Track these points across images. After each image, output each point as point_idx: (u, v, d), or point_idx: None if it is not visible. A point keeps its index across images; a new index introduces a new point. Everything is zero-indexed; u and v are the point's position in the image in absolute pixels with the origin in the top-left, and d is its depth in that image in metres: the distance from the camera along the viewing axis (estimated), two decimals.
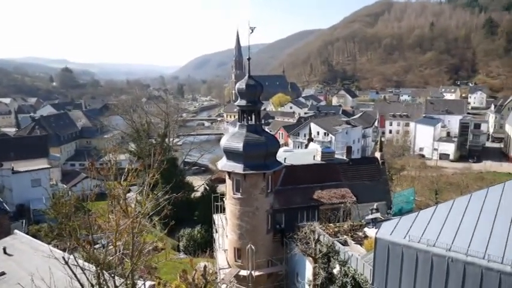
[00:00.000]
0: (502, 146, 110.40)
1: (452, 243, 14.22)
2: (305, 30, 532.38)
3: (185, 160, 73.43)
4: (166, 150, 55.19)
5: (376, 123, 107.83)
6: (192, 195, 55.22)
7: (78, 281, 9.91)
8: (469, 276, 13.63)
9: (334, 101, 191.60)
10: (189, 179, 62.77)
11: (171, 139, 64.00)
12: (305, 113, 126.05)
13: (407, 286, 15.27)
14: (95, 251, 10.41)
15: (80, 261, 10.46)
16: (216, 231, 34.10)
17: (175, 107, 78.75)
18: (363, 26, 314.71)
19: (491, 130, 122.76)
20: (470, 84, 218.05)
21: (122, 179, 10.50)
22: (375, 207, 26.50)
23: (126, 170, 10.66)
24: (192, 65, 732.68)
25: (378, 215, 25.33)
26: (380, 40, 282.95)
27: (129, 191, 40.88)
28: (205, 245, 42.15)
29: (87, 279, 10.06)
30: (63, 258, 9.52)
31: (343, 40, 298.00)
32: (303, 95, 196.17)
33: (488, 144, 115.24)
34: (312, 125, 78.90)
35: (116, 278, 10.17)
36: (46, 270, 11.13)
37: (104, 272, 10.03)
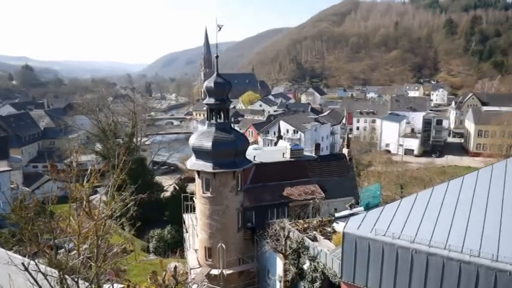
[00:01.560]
0: (462, 141, 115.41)
1: (415, 235, 14.74)
2: (274, 28, 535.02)
3: (154, 160, 72.25)
4: (134, 150, 54.12)
5: (344, 120, 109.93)
6: (162, 195, 54.43)
7: (40, 287, 9.53)
8: (432, 266, 14.18)
9: (303, 98, 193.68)
10: (158, 178, 61.79)
11: (139, 139, 62.79)
12: (274, 111, 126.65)
13: (374, 278, 15.70)
14: (58, 255, 10.04)
15: (42, 267, 10.06)
16: (187, 231, 33.77)
17: (143, 105, 77.22)
18: (330, 25, 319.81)
19: (452, 126, 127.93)
20: (433, 82, 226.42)
21: (85, 181, 10.17)
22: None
23: (89, 171, 10.34)
24: (160, 63, 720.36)
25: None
26: (347, 39, 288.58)
27: (95, 192, 39.73)
28: (175, 246, 41.72)
29: (50, 284, 9.70)
30: (23, 264, 9.11)
31: (311, 39, 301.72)
32: (272, 93, 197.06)
33: (450, 139, 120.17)
34: (282, 122, 79.52)
35: (80, 282, 9.86)
36: (5, 277, 10.65)
37: (67, 276, 9.69)
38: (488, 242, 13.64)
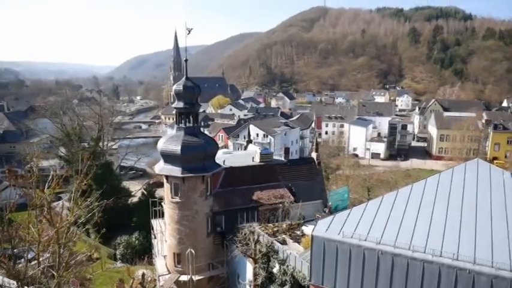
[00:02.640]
0: (426, 145, 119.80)
1: (381, 237, 15.12)
2: (244, 33, 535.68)
3: (121, 164, 70.49)
4: (100, 154, 52.65)
5: (313, 125, 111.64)
6: (129, 201, 53.15)
7: None
8: (397, 267, 14.57)
9: (273, 103, 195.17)
10: (126, 184, 60.29)
11: (105, 143, 61.11)
12: (244, 115, 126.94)
13: (342, 280, 15.95)
14: (17, 265, 9.58)
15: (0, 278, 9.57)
16: (155, 237, 33.12)
17: (110, 109, 75.22)
18: (299, 30, 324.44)
19: (416, 130, 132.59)
20: (398, 88, 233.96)
21: (46, 187, 9.76)
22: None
23: (50, 176, 9.93)
24: (128, 66, 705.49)
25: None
26: (316, 45, 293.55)
27: (58, 199, 38.41)
28: (143, 252, 40.79)
29: None
30: None
31: (281, 44, 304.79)
32: (242, 97, 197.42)
33: (414, 143, 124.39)
34: (251, 126, 79.76)
35: None
36: None
37: (26, 287, 9.26)
38: (449, 241, 14.18)
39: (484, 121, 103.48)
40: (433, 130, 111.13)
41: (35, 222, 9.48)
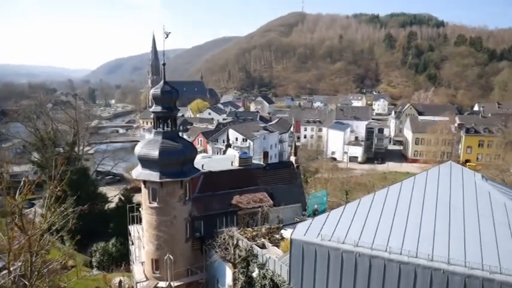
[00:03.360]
0: (402, 148, 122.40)
1: (359, 239, 15.32)
2: (223, 37, 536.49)
3: (98, 170, 69.06)
4: (75, 159, 51.43)
5: (291, 129, 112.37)
6: (106, 207, 52.07)
7: None
8: (374, 268, 14.78)
9: (252, 107, 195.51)
10: (103, 189, 58.97)
11: (81, 148, 59.80)
12: (224, 119, 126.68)
13: (321, 282, 16.06)
14: None
15: None
16: (132, 243, 32.55)
17: (85, 113, 73.75)
18: (278, 35, 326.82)
19: (392, 134, 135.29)
20: (374, 93, 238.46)
21: (18, 193, 9.46)
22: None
23: (22, 182, 9.64)
24: (105, 69, 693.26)
25: None
26: (294, 49, 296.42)
27: (32, 205, 37.26)
28: (120, 259, 39.91)
29: None
30: None
31: (260, 48, 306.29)
32: (221, 101, 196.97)
33: (390, 147, 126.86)
34: (231, 131, 79.63)
35: None
36: None
37: None
38: (424, 243, 14.50)
39: (456, 125, 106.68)
40: (408, 134, 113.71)
41: (5, 230, 9.17)
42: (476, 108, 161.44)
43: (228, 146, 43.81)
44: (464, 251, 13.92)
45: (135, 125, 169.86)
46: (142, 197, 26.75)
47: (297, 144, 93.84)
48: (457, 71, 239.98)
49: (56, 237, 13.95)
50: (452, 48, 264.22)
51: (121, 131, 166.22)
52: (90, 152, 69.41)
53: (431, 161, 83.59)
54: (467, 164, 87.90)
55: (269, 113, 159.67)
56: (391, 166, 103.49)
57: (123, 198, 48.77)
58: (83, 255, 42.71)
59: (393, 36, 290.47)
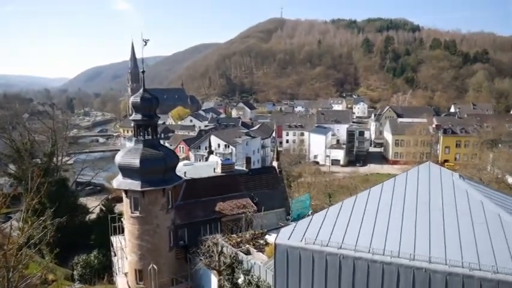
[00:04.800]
0: (382, 150, 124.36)
1: (342, 241, 15.42)
2: (202, 43, 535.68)
3: (78, 180, 67.66)
4: (54, 170, 50.26)
5: (273, 134, 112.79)
6: (87, 218, 50.98)
7: None
8: (358, 270, 14.89)
9: (234, 113, 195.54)
10: (83, 200, 57.78)
11: (59, 158, 58.46)
12: (205, 126, 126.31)
13: (306, 286, 16.07)
14: None
15: None
16: (115, 254, 31.97)
17: (63, 122, 72.18)
18: (257, 41, 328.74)
19: (373, 137, 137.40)
20: (354, 96, 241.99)
21: None
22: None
23: None
24: (83, 77, 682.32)
25: None
26: (274, 55, 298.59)
27: (8, 218, 36.23)
28: (103, 271, 39.09)
29: None
30: None
31: (240, 54, 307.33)
32: (202, 108, 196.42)
33: (371, 149, 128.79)
34: (213, 137, 79.34)
35: None
36: None
37: None
38: (406, 242, 14.71)
39: (434, 126, 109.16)
40: (388, 136, 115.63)
41: None
42: (452, 109, 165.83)
43: (210, 152, 43.62)
44: (444, 250, 14.16)
45: (115, 134, 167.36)
46: (124, 207, 26.35)
47: (280, 149, 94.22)
48: (433, 74, 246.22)
49: (34, 250, 13.59)
50: (428, 51, 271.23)
51: (101, 140, 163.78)
52: (69, 162, 67.91)
53: (411, 162, 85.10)
54: (446, 164, 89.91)
55: (251, 119, 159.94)
56: (372, 168, 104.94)
57: (104, 208, 47.89)
58: (63, 269, 41.64)
59: (371, 40, 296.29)
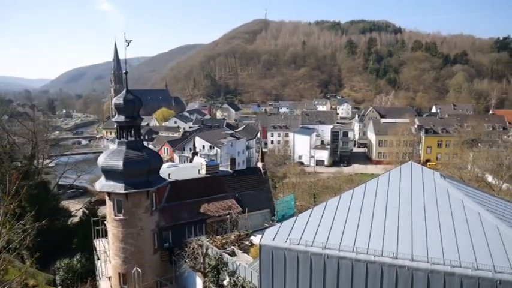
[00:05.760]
0: (366, 150, 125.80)
1: (326, 241, 15.52)
2: (187, 44, 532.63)
3: (59, 183, 66.40)
4: (34, 173, 49.21)
5: (258, 135, 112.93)
6: (69, 221, 50.09)
7: None
8: (342, 269, 15.01)
9: (218, 114, 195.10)
10: (65, 203, 56.74)
11: (40, 161, 57.32)
12: (190, 127, 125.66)
13: (291, 286, 16.12)
14: None
15: None
16: (98, 258, 31.51)
17: (44, 124, 70.79)
18: (242, 42, 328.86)
19: (356, 137, 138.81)
20: (338, 97, 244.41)
21: None
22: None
23: None
24: (65, 78, 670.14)
25: None
26: (259, 56, 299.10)
27: None
28: (86, 275, 38.49)
29: None
30: None
31: (225, 55, 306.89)
32: (187, 109, 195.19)
33: (355, 149, 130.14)
34: (197, 138, 79.07)
35: None
36: None
37: None
38: (389, 241, 14.90)
39: (416, 126, 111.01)
40: (372, 136, 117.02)
41: None
42: (434, 109, 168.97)
43: (195, 154, 43.39)
44: (426, 248, 14.40)
45: (98, 136, 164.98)
46: (107, 210, 25.99)
47: (264, 150, 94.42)
48: (415, 75, 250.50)
49: (13, 255, 13.23)
50: (410, 53, 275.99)
51: (83, 142, 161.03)
52: (50, 165, 66.63)
53: (394, 162, 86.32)
54: (428, 163, 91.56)
55: (236, 120, 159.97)
56: (356, 168, 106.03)
57: (87, 211, 47.14)
58: (45, 274, 40.79)
59: (354, 42, 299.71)
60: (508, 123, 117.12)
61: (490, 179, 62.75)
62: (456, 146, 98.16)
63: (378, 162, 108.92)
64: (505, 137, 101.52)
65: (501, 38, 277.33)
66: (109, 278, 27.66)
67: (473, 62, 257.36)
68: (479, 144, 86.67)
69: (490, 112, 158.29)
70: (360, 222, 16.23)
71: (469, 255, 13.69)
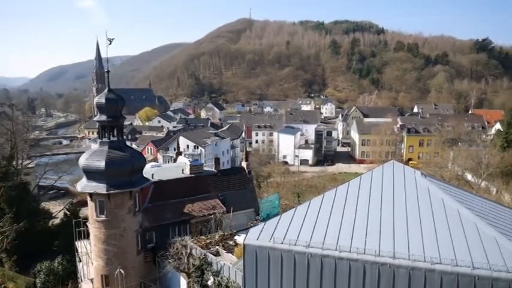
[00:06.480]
0: (350, 149, 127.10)
1: (310, 240, 15.62)
2: (170, 43, 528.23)
3: (40, 184, 65.05)
4: (13, 174, 48.08)
5: (243, 134, 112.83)
6: (50, 223, 49.12)
7: None
8: (326, 267, 15.13)
9: (203, 114, 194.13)
10: (46, 205, 55.65)
11: (19, 161, 56.05)
12: (174, 127, 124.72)
13: (275, 285, 16.16)
14: None
15: None
16: (80, 260, 31.02)
17: (24, 124, 69.23)
18: (226, 41, 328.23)
19: (340, 136, 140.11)
20: (322, 97, 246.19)
21: None
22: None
23: None
24: (45, 77, 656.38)
25: None
26: (243, 55, 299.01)
27: None
28: (68, 278, 37.82)
29: None
30: None
31: (209, 54, 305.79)
32: (171, 109, 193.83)
33: (339, 148, 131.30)
34: (181, 138, 78.53)
35: None
36: None
37: None
38: (372, 239, 15.09)
39: (398, 126, 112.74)
40: (355, 135, 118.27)
41: None
42: (415, 109, 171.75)
43: (179, 153, 43.01)
44: (408, 245, 14.64)
45: (80, 135, 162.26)
46: (89, 211, 25.62)
47: (249, 149, 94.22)
48: (397, 75, 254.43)
49: None
50: (392, 53, 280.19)
51: (64, 142, 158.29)
52: (30, 165, 65.19)
53: (377, 161, 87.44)
54: (410, 162, 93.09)
55: (220, 119, 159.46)
56: (340, 167, 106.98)
57: (68, 213, 46.31)
58: (25, 277, 39.88)
59: (338, 42, 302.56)
60: (486, 122, 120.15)
61: (469, 177, 64.24)
62: (437, 145, 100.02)
63: (361, 161, 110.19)
64: (484, 136, 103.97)
65: (480, 40, 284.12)
66: (91, 280, 27.30)
67: (454, 63, 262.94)
68: (459, 144, 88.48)
69: (470, 112, 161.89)
70: (343, 221, 16.39)
71: (449, 252, 13.99)
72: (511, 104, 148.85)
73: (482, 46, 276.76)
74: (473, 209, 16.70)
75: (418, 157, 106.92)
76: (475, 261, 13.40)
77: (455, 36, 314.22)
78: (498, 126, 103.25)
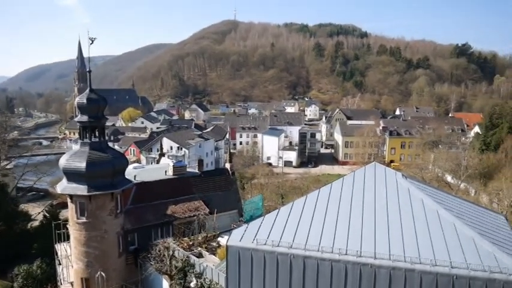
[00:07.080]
0: (333, 151, 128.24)
1: (293, 241, 15.71)
2: (154, 43, 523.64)
3: (18, 186, 63.61)
4: None
5: (227, 136, 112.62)
6: (29, 226, 48.09)
7: None
8: (308, 268, 15.24)
9: (187, 115, 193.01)
10: (24, 207, 54.51)
11: None
12: (157, 128, 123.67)
13: (258, 287, 16.19)
14: None
15: None
16: (60, 263, 30.39)
17: (2, 124, 67.65)
18: (211, 42, 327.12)
19: (324, 138, 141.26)
20: (306, 99, 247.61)
21: None
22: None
23: None
24: (25, 76, 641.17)
25: None
26: (228, 57, 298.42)
27: None
28: (47, 281, 37.03)
29: None
30: None
31: (193, 55, 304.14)
32: (154, 110, 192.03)
33: (323, 150, 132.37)
34: (165, 139, 77.95)
35: None
36: None
37: None
38: (353, 240, 15.28)
39: (381, 128, 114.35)
40: (338, 137, 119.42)
41: None
42: (398, 112, 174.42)
43: (162, 155, 42.79)
44: (388, 246, 14.87)
45: (60, 136, 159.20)
46: (70, 213, 25.16)
47: (233, 151, 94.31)
48: (380, 78, 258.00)
49: None
50: (375, 57, 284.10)
51: (45, 142, 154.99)
52: (8, 166, 63.76)
53: (360, 163, 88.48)
54: (392, 164, 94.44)
55: (204, 121, 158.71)
56: (323, 169, 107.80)
57: (48, 215, 45.48)
58: (2, 281, 39.04)
59: (322, 45, 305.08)
60: (466, 125, 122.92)
61: (449, 178, 65.62)
62: (418, 147, 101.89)
63: (344, 163, 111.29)
64: (463, 139, 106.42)
65: (460, 45, 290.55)
66: (71, 284, 26.80)
67: (435, 67, 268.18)
68: (440, 146, 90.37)
69: (450, 115, 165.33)
70: (325, 222, 16.54)
71: (428, 252, 14.27)
72: (489, 108, 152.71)
73: (462, 51, 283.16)
74: (452, 210, 17.08)
75: (400, 159, 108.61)
76: (453, 261, 13.71)
77: (436, 41, 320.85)
78: (477, 129, 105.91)
